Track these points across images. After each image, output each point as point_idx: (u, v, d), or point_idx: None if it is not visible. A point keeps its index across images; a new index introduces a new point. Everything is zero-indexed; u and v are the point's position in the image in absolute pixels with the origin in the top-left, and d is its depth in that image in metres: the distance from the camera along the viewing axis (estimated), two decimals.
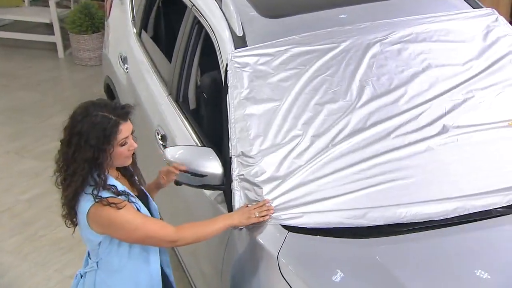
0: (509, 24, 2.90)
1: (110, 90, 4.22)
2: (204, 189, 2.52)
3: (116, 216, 2.03)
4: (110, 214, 2.03)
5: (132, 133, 2.12)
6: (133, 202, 2.12)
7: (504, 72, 2.71)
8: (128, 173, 2.25)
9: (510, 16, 6.38)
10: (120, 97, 3.98)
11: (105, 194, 2.05)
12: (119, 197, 2.06)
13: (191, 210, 2.85)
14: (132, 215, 2.06)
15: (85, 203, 2.05)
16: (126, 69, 3.85)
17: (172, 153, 2.47)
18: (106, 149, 2.02)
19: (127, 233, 2.07)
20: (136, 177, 2.28)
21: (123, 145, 2.07)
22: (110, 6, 4.41)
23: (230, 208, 2.35)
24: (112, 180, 2.12)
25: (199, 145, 2.82)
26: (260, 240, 2.20)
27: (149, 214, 2.20)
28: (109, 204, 2.02)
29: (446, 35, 2.79)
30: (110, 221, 2.04)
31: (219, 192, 2.51)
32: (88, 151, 2.01)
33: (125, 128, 2.07)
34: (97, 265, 2.17)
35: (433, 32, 2.79)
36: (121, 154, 2.08)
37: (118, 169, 2.20)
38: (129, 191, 2.15)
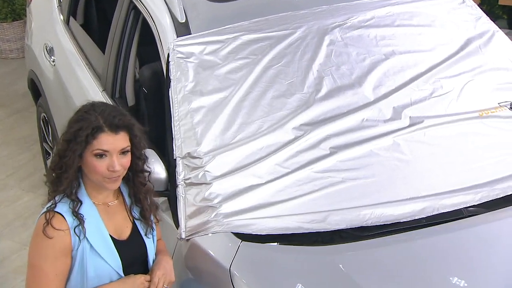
0: (477, 6, 3.01)
1: (35, 86, 4.15)
2: None
3: (33, 239, 1.95)
4: (34, 233, 1.95)
5: (123, 152, 1.97)
6: (76, 234, 1.95)
7: (474, 59, 2.82)
8: (139, 213, 2.09)
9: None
10: (46, 93, 3.92)
11: (62, 206, 1.96)
12: (72, 219, 1.94)
13: None
14: (43, 252, 1.92)
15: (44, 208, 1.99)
16: (53, 61, 3.80)
17: None
18: (75, 151, 1.93)
19: (28, 268, 1.96)
20: (145, 218, 2.09)
21: (99, 157, 1.95)
22: None
23: (175, 217, 2.36)
24: (86, 199, 1.99)
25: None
26: (210, 251, 2.22)
27: (117, 269, 2.02)
28: (47, 223, 1.92)
29: (410, 18, 2.88)
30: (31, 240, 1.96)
31: (163, 199, 2.52)
32: (61, 145, 1.97)
33: (108, 140, 1.94)
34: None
35: (396, 16, 2.87)
36: (96, 169, 1.95)
37: (119, 195, 2.08)
38: (95, 225, 1.98)
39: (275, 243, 2.25)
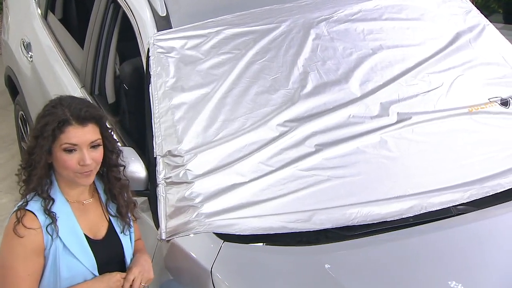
0: (468, 0, 3.04)
1: (12, 83, 4.14)
2: None
3: (3, 238, 1.94)
4: (5, 232, 1.95)
5: (93, 146, 1.97)
6: (48, 233, 1.94)
7: (463, 53, 2.84)
8: (116, 210, 2.09)
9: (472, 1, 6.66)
10: (23, 90, 3.91)
11: (33, 204, 1.96)
12: (44, 218, 1.94)
13: None
14: (14, 252, 1.91)
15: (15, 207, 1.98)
16: (30, 57, 3.80)
17: None
18: (43, 146, 1.94)
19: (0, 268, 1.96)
20: (122, 215, 2.09)
21: (69, 152, 1.95)
22: None
23: (155, 218, 2.36)
24: (59, 197, 1.99)
25: (120, 145, 2.81)
26: (191, 252, 2.23)
27: (92, 268, 2.01)
28: (17, 222, 1.92)
29: (399, 12, 2.90)
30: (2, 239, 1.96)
31: (144, 198, 2.52)
32: (29, 142, 1.98)
33: (75, 133, 1.94)
34: None
35: (384, 9, 2.89)
36: (66, 164, 1.94)
37: (94, 192, 2.08)
38: (69, 223, 1.98)
39: (259, 244, 2.26)
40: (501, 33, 3.18)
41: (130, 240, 2.12)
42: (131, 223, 2.14)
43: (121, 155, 2.11)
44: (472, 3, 3.09)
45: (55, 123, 1.94)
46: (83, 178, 1.98)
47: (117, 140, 2.11)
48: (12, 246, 1.94)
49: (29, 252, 1.94)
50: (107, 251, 2.07)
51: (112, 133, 2.08)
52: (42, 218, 1.96)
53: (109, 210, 2.10)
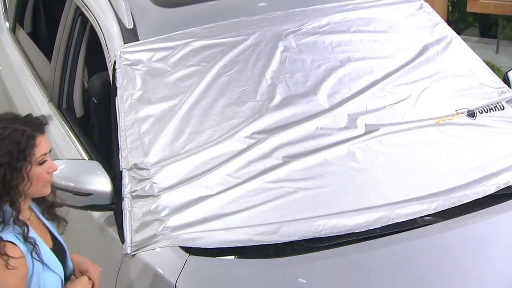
0: (435, 12, 3.08)
1: None
2: (91, 210, 2.51)
3: None
4: None
5: (49, 151, 1.99)
6: (35, 258, 1.94)
7: (431, 65, 2.88)
8: (46, 213, 2.09)
9: (447, 15, 6.77)
10: None
11: (6, 235, 1.89)
12: (23, 244, 1.90)
13: (78, 237, 2.82)
14: (15, 283, 1.89)
15: None
16: None
17: None
18: (22, 168, 1.89)
19: None
20: (55, 215, 2.11)
21: (41, 164, 1.94)
22: None
23: (120, 232, 2.35)
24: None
25: (87, 159, 2.80)
26: (156, 266, 2.22)
27: (62, 277, 2.05)
28: (3, 254, 1.86)
29: (367, 25, 2.94)
30: None
31: (110, 213, 2.51)
32: None
33: (43, 142, 1.94)
34: None
35: (352, 22, 2.93)
36: (40, 177, 1.93)
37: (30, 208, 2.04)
38: (38, 242, 1.96)
39: (226, 257, 2.26)
40: (477, 45, 3.25)
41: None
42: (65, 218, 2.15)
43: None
44: (448, 17, 3.13)
45: (28, 140, 1.90)
46: (49, 186, 1.98)
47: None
48: (12, 278, 1.88)
49: (22, 280, 1.91)
50: (61, 255, 2.07)
51: None
52: (22, 246, 1.91)
53: (43, 216, 2.09)
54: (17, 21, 3.85)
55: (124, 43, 2.69)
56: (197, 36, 2.76)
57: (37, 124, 1.96)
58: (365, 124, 2.60)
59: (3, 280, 1.88)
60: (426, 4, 3.12)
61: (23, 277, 1.92)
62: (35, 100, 3.35)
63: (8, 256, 1.87)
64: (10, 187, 1.89)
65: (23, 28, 3.86)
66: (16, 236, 1.91)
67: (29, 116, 2.00)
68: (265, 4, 3.00)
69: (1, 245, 1.88)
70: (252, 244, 2.24)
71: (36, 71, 3.51)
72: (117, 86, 2.58)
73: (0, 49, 3.83)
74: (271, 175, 2.41)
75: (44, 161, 1.94)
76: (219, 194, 2.35)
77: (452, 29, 3.09)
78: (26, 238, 1.92)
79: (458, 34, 3.07)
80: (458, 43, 3.02)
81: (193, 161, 2.43)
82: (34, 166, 1.92)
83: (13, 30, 3.84)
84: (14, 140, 1.89)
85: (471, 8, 6.71)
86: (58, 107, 3.16)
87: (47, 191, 1.99)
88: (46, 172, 1.95)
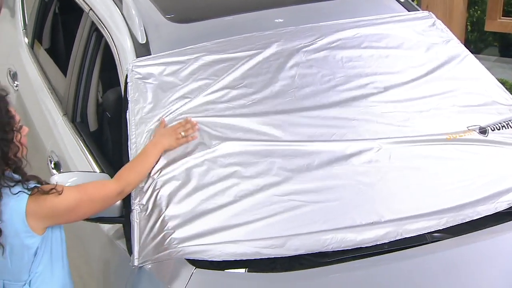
0: (448, 29, 3.08)
1: None
2: (101, 222, 2.52)
3: (60, 202, 2.14)
4: (53, 202, 2.13)
5: None
6: None
7: (443, 82, 2.86)
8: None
9: (466, 34, 6.72)
10: None
11: (32, 185, 2.14)
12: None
13: (87, 249, 2.84)
14: (72, 192, 2.18)
15: (18, 203, 2.11)
16: (16, 86, 3.84)
17: (61, 181, 2.47)
18: (13, 138, 2.11)
19: (75, 213, 2.20)
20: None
21: (20, 129, 2.16)
22: None
23: (129, 244, 2.36)
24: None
25: (98, 172, 2.82)
26: (162, 279, 2.21)
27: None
28: (49, 191, 2.12)
29: (378, 41, 2.94)
30: (54, 209, 2.14)
31: (119, 225, 2.52)
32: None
33: (14, 111, 2.16)
34: (30, 284, 2.21)
35: (364, 38, 2.93)
36: (24, 141, 2.17)
37: None
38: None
39: (232, 270, 2.25)
40: (496, 65, 3.22)
41: None
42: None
43: None
44: (467, 36, 3.11)
45: (6, 113, 2.09)
46: (25, 148, 2.20)
47: None
48: (68, 194, 2.17)
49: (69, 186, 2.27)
50: None
51: None
52: None
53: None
54: (36, 37, 3.91)
55: (136, 57, 2.72)
56: (208, 50, 2.77)
57: (4, 98, 2.13)
58: (375, 139, 2.58)
59: (64, 200, 2.14)
60: (439, 22, 3.11)
61: (71, 187, 2.20)
62: (50, 114, 3.39)
63: (50, 188, 2.13)
64: (9, 158, 2.12)
65: (41, 43, 3.92)
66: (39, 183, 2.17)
67: None
68: (282, 20, 3.02)
69: (37, 190, 2.12)
70: (259, 257, 2.23)
71: (52, 86, 3.55)
72: (129, 99, 2.60)
73: (19, 64, 3.88)
74: (279, 188, 2.41)
75: (21, 127, 2.18)
76: (227, 206, 2.34)
77: (471, 48, 3.06)
78: (41, 182, 2.17)
79: (477, 54, 3.06)
80: (470, 60, 3.00)
81: (201, 173, 2.43)
82: (19, 133, 2.15)
83: (31, 46, 3.90)
84: None
85: (489, 27, 6.66)
86: (72, 121, 3.19)
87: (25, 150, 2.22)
88: (24, 136, 2.19)
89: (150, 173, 2.39)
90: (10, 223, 2.12)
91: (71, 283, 2.36)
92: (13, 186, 2.12)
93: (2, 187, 2.10)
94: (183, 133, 2.45)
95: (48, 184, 2.19)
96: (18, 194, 2.11)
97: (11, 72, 3.94)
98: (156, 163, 2.39)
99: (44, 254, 2.21)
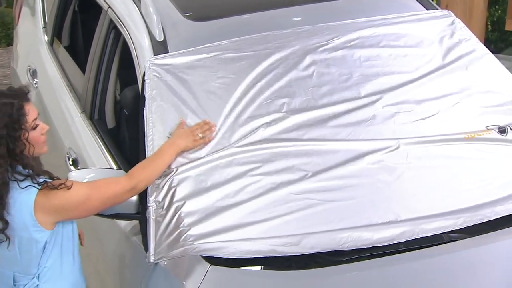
0: (467, 28, 3.05)
1: None
2: (117, 219, 2.53)
3: (69, 197, 2.17)
4: (63, 197, 2.16)
5: (38, 115, 2.24)
6: None
7: (462, 80, 2.83)
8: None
9: (486, 34, 6.64)
10: None
11: (42, 180, 2.17)
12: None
13: (103, 245, 2.85)
14: (82, 188, 2.21)
15: (27, 196, 2.14)
16: (36, 83, 3.87)
17: (79, 177, 2.48)
18: (20, 136, 2.14)
19: (85, 208, 2.22)
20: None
21: (35, 128, 2.19)
22: (20, 11, 4.43)
23: (145, 241, 2.37)
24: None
25: (115, 168, 2.84)
26: (177, 276, 2.22)
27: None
28: (58, 186, 2.14)
29: (397, 39, 2.92)
30: (63, 203, 2.17)
31: (135, 222, 2.53)
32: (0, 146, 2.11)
33: (31, 109, 2.20)
34: (38, 278, 2.23)
35: (382, 37, 2.91)
36: (37, 140, 2.19)
37: None
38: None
39: (247, 267, 2.25)
40: None
41: None
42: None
43: None
44: (487, 36, 3.07)
45: (19, 111, 2.12)
46: (45, 145, 2.26)
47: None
48: (78, 189, 2.20)
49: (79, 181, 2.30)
50: None
51: None
52: None
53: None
54: (55, 34, 3.94)
55: (154, 55, 2.73)
56: (226, 49, 2.77)
57: (22, 94, 2.18)
58: (393, 138, 2.57)
59: (73, 195, 2.17)
60: (458, 20, 3.08)
61: (81, 183, 2.24)
62: (69, 111, 3.41)
63: (60, 183, 2.16)
64: (16, 154, 2.15)
65: (60, 41, 3.95)
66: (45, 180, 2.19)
67: (11, 88, 2.23)
68: (299, 19, 3.02)
69: (47, 184, 2.15)
70: (274, 255, 2.23)
71: (71, 83, 3.58)
72: (146, 96, 2.61)
73: (38, 62, 3.92)
74: (296, 186, 2.40)
75: (37, 125, 2.20)
76: (242, 204, 2.34)
77: (491, 48, 3.03)
78: (52, 177, 2.20)
79: (498, 53, 3.02)
80: (489, 59, 2.97)
81: (217, 171, 2.44)
82: (30, 132, 2.17)
83: (51, 44, 3.93)
84: (6, 113, 2.13)
85: (510, 26, 6.58)
86: (90, 118, 3.22)
87: (45, 149, 2.27)
88: (40, 134, 2.22)
89: (166, 170, 2.39)
90: (18, 216, 2.15)
91: (83, 280, 2.36)
92: (21, 181, 2.15)
93: (10, 181, 2.13)
94: (200, 135, 2.45)
95: (59, 179, 2.21)
96: (27, 188, 2.15)
97: (31, 70, 3.97)
98: (171, 163, 2.40)
99: (54, 249, 2.22)
